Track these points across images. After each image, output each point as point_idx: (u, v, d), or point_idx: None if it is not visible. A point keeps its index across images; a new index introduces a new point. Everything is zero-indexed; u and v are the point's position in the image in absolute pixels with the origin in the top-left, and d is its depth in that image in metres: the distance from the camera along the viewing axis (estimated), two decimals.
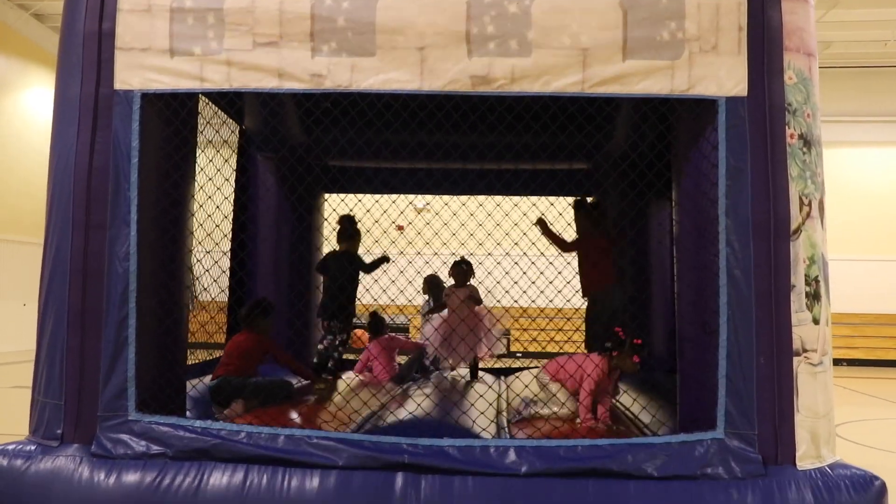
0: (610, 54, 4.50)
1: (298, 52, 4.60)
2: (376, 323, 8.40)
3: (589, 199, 7.52)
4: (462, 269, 7.54)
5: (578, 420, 5.35)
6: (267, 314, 6.38)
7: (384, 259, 7.45)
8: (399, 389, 7.00)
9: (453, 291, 7.51)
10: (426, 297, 8.74)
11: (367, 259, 7.54)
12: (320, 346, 7.45)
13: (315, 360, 7.42)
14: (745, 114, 4.48)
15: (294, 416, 5.32)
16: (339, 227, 7.56)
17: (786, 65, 4.53)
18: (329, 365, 7.25)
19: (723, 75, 4.47)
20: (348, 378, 7.25)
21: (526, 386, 6.03)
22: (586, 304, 7.09)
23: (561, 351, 7.27)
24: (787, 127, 4.50)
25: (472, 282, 7.58)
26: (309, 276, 8.21)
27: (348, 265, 7.30)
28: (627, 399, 5.85)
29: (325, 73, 4.59)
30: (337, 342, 7.27)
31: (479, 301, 7.48)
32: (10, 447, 4.60)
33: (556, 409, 5.56)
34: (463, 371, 7.82)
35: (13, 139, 18.73)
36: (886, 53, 19.61)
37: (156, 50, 4.67)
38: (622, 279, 7.17)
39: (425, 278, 8.52)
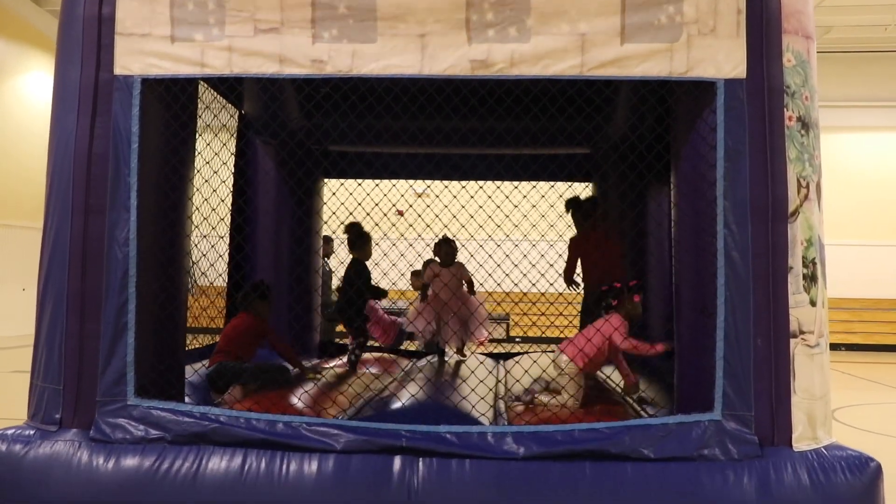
0: (608, 38, 4.49)
1: (299, 39, 4.60)
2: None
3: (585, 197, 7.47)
4: (448, 248, 7.47)
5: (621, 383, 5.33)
6: (263, 297, 6.37)
7: (383, 293, 7.54)
8: (399, 372, 7.03)
9: (439, 272, 7.43)
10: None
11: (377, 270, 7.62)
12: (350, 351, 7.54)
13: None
14: (743, 96, 4.47)
15: (294, 400, 5.33)
16: (347, 236, 7.55)
17: (784, 47, 4.53)
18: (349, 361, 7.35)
19: (721, 58, 4.46)
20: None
21: (526, 371, 6.03)
22: (582, 300, 7.02)
23: (561, 336, 7.28)
24: (785, 109, 4.50)
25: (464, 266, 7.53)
26: (308, 261, 8.23)
27: (361, 272, 7.31)
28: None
29: (326, 58, 4.59)
30: (356, 345, 7.32)
31: (470, 281, 7.43)
32: (9, 432, 4.61)
33: (552, 397, 5.53)
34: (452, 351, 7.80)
35: (12, 124, 18.71)
36: (886, 38, 19.55)
37: (156, 36, 4.66)
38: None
39: (424, 263, 8.52)
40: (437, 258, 7.62)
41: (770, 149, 4.48)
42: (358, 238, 7.35)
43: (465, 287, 7.46)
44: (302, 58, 4.60)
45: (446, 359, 7.55)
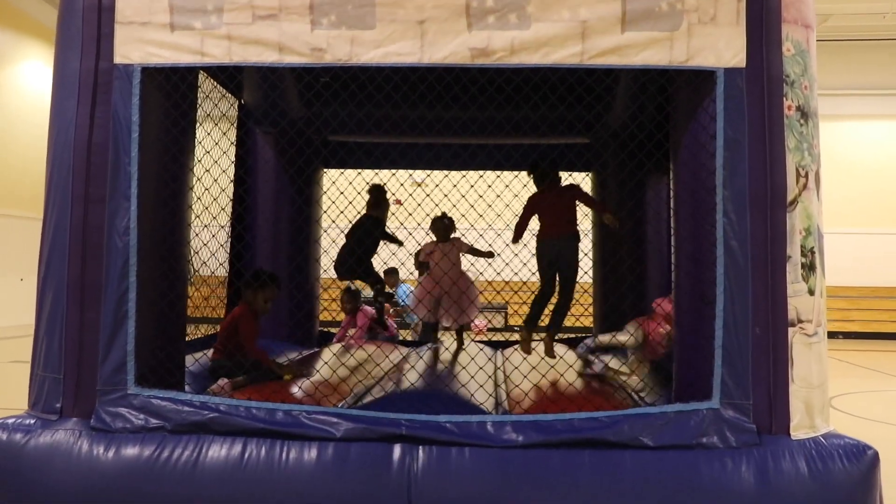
0: (609, 26, 4.47)
1: (298, 25, 4.57)
2: (354, 297, 8.67)
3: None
4: (444, 224, 7.48)
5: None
6: (250, 285, 6.12)
7: (398, 241, 7.64)
8: (399, 358, 7.05)
9: (435, 247, 7.41)
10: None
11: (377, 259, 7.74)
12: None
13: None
14: (743, 85, 4.45)
15: (294, 389, 5.33)
16: (369, 196, 7.67)
17: (784, 36, 4.51)
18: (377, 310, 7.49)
19: (721, 46, 4.45)
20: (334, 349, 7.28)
21: (525, 358, 6.03)
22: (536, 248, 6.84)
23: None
24: (784, 98, 4.49)
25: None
26: (308, 251, 8.23)
27: (374, 228, 7.39)
28: (624, 370, 5.89)
29: (325, 46, 4.56)
30: (376, 291, 7.44)
31: (472, 249, 7.42)
32: (10, 421, 4.60)
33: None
34: (448, 341, 7.81)
35: (9, 113, 18.68)
36: (885, 26, 19.56)
37: (156, 24, 4.63)
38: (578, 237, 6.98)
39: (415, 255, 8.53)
40: (433, 234, 7.65)
41: (769, 138, 4.47)
42: (381, 200, 7.58)
43: (466, 255, 7.49)
44: (301, 45, 4.57)
45: (441, 343, 7.56)
